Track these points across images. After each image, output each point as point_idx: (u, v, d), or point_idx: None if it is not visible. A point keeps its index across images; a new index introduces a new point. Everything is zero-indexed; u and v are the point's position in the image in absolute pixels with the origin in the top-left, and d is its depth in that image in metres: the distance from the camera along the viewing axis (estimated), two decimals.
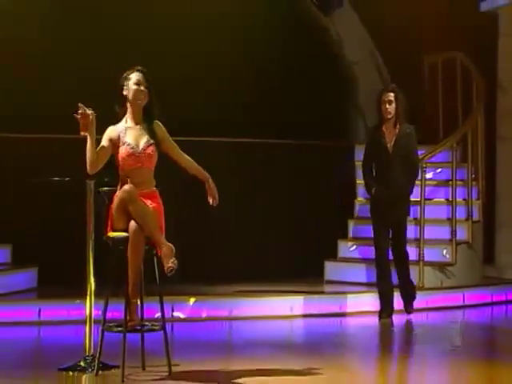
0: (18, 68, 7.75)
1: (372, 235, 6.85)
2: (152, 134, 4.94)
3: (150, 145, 4.92)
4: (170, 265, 4.69)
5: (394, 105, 6.70)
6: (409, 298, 6.95)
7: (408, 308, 6.96)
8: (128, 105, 4.96)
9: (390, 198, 6.69)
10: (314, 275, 7.96)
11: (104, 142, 4.93)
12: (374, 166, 6.82)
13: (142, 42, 7.81)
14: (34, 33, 7.81)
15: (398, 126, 6.75)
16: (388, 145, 6.73)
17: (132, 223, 4.74)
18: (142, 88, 4.92)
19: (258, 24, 8.27)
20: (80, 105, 4.79)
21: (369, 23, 8.97)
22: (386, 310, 6.77)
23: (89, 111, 4.78)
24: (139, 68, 5.00)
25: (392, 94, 6.71)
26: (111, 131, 4.96)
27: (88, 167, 4.84)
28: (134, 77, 4.95)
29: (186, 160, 5.01)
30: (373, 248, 6.85)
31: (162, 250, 4.73)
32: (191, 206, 7.64)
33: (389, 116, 6.72)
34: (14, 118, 7.63)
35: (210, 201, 5.00)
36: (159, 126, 4.99)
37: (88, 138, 4.80)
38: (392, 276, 6.83)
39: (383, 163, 6.72)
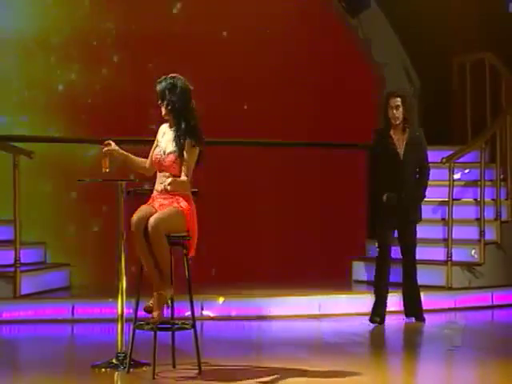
0: None
1: (377, 234, 6.74)
2: (179, 142, 4.93)
3: (172, 153, 4.93)
4: (155, 315, 4.78)
5: (401, 109, 6.56)
6: (416, 304, 6.76)
7: (418, 316, 6.74)
8: None
9: (402, 203, 6.58)
10: (342, 275, 8.01)
11: (156, 141, 5.08)
12: (384, 172, 6.61)
13: None
14: None
15: (406, 131, 6.63)
16: (398, 150, 6.58)
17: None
18: (159, 102, 4.97)
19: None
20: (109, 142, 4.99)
21: (396, 24, 8.97)
22: (378, 311, 6.65)
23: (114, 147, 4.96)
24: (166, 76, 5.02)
25: (399, 99, 6.57)
26: (159, 131, 5.09)
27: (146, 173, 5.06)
28: None
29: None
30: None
31: (159, 294, 4.79)
32: (221, 207, 7.77)
33: (397, 122, 6.58)
34: None
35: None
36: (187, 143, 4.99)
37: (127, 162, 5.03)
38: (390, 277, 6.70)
39: (394, 170, 6.57)
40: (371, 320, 6.65)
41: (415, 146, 6.65)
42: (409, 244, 6.71)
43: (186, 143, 4.92)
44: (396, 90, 6.79)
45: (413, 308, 6.78)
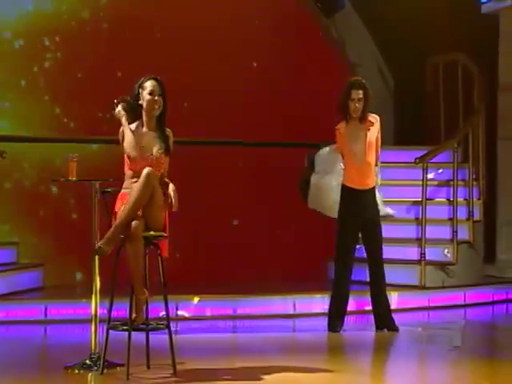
0: None
1: (338, 231, 6.35)
2: (165, 140, 4.95)
3: (162, 153, 4.93)
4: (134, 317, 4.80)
5: (362, 102, 6.19)
6: (385, 312, 6.39)
7: (390, 324, 6.36)
8: (142, 112, 4.96)
9: (367, 195, 6.28)
10: (318, 275, 8.02)
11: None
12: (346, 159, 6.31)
13: None
14: None
15: (363, 122, 6.23)
16: (365, 133, 6.22)
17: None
18: (156, 98, 4.91)
19: None
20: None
21: (370, 25, 9.02)
22: (338, 319, 6.33)
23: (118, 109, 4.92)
24: (154, 76, 4.96)
25: (361, 92, 6.18)
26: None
27: (132, 151, 4.88)
28: (149, 86, 4.93)
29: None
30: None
31: (138, 298, 4.79)
32: (194, 205, 7.74)
33: (356, 115, 6.22)
34: None
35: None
36: (170, 134, 5.00)
37: (126, 124, 4.90)
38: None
39: (358, 157, 6.24)
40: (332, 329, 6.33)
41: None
42: (376, 243, 6.35)
43: (171, 136, 5.02)
44: (358, 80, 6.29)
45: (384, 317, 6.41)
